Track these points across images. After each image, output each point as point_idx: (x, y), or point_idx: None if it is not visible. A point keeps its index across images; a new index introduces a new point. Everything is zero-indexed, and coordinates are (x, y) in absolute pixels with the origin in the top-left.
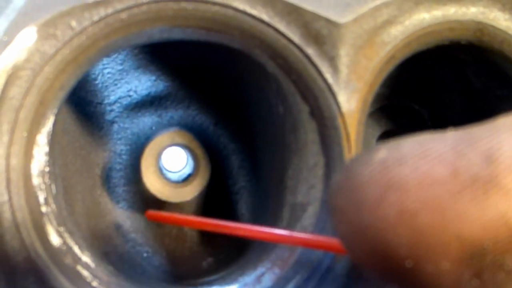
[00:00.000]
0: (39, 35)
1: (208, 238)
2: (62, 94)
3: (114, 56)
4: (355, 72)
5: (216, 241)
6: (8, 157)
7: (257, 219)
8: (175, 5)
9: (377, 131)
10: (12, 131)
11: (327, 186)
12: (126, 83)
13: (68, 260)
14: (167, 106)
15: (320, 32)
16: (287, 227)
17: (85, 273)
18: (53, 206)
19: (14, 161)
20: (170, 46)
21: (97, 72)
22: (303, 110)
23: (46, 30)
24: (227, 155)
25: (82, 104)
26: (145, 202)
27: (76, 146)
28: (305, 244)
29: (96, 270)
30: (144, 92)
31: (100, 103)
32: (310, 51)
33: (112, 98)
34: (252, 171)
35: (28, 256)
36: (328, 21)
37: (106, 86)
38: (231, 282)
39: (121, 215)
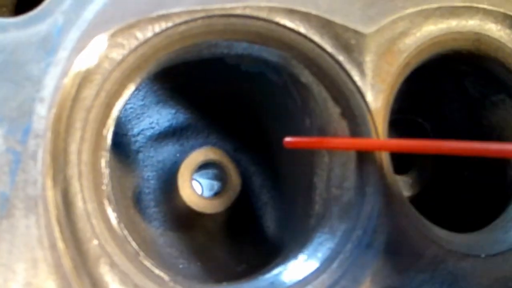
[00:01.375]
0: (109, 43)
1: (238, 247)
2: (124, 99)
3: (135, 93)
4: (379, 75)
5: (248, 250)
6: (79, 153)
7: (283, 228)
8: (225, 20)
9: None
10: (83, 129)
11: (360, 176)
12: (148, 117)
13: (131, 249)
14: (188, 136)
15: (349, 42)
16: (320, 220)
17: (147, 263)
18: (114, 203)
19: (85, 157)
20: (191, 81)
21: None
22: (334, 112)
23: (115, 40)
24: (249, 177)
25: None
26: (179, 216)
27: (112, 168)
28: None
29: (155, 263)
30: (166, 124)
31: (125, 135)
32: (341, 58)
33: (136, 130)
34: (274, 189)
35: (99, 243)
36: (355, 32)
37: (129, 119)
38: (277, 267)
39: (154, 233)
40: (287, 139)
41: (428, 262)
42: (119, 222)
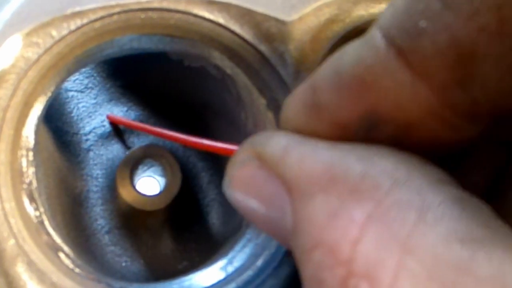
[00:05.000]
0: (24, 43)
1: (182, 244)
2: (45, 98)
3: (88, 91)
4: (304, 64)
5: (191, 247)
6: None
7: (226, 225)
8: (142, 14)
9: None
10: (0, 129)
11: None
12: (100, 115)
13: (52, 246)
14: (138, 133)
15: (270, 31)
16: None
17: (67, 261)
18: (38, 202)
19: (2, 156)
20: (140, 79)
21: (72, 106)
22: (261, 104)
23: (30, 39)
24: (197, 173)
25: (60, 133)
26: (123, 214)
27: (54, 167)
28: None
29: (79, 264)
30: None
31: (76, 133)
32: (263, 48)
33: (87, 128)
34: (221, 185)
35: (16, 242)
36: (276, 20)
37: (81, 118)
38: (204, 268)
39: (100, 232)
40: (110, 116)
41: None
42: (41, 220)
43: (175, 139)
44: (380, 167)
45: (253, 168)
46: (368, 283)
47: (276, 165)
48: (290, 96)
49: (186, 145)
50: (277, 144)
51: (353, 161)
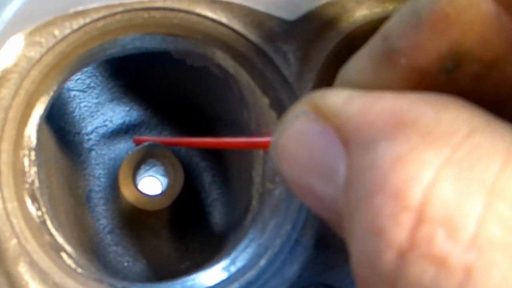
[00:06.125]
0: (26, 42)
1: (185, 244)
2: (47, 98)
3: (90, 91)
4: (307, 64)
5: (194, 247)
6: None
7: (229, 225)
8: (145, 13)
9: None
10: (2, 129)
11: None
12: (102, 115)
13: (54, 246)
14: (141, 133)
15: (274, 30)
16: (255, 216)
17: (69, 261)
18: (40, 202)
19: (5, 156)
20: (142, 78)
21: (74, 106)
22: (264, 103)
23: (32, 38)
24: (199, 173)
25: (62, 132)
26: (125, 214)
27: (57, 166)
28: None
29: (82, 264)
30: (119, 122)
31: (78, 133)
32: (266, 47)
33: (89, 128)
34: (223, 185)
35: (18, 242)
36: (280, 19)
37: (83, 118)
38: (207, 268)
39: (102, 231)
40: (136, 137)
41: None
42: (43, 220)
43: (207, 144)
44: (456, 114)
45: (308, 121)
46: (447, 230)
47: (334, 116)
48: (351, 59)
49: (219, 148)
50: (338, 95)
51: (425, 108)
